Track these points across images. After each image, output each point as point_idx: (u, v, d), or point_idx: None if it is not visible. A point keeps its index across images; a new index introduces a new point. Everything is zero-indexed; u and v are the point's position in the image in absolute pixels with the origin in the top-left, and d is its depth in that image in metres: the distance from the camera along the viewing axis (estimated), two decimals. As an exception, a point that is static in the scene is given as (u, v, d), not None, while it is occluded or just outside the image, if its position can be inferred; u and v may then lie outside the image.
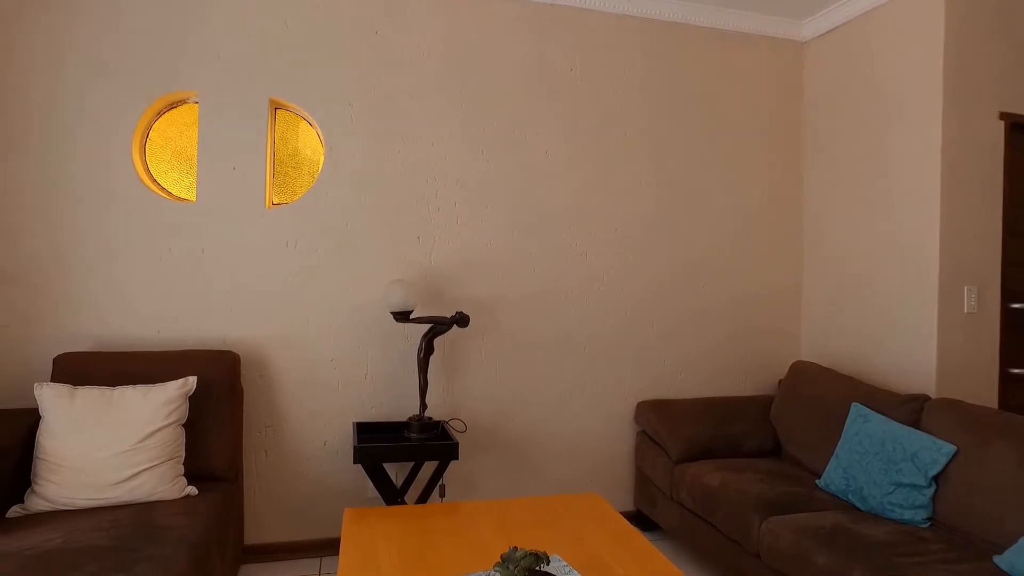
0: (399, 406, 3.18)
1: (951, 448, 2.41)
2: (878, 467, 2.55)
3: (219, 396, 2.69)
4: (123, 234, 2.86)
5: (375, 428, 3.05)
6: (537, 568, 1.53)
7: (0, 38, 2.73)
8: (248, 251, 2.99)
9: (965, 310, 2.95)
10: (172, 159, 3.03)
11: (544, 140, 3.36)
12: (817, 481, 2.83)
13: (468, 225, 3.27)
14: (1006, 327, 3.04)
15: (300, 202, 3.06)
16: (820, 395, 3.10)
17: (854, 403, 2.84)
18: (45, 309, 2.79)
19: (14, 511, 2.24)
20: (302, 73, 3.04)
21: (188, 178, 3.04)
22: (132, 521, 2.13)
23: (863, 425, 2.70)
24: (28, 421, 2.42)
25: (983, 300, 2.99)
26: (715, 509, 2.76)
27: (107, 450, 2.30)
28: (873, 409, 2.78)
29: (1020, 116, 3.02)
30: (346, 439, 3.12)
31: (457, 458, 2.81)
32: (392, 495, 2.82)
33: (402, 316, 2.90)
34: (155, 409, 2.41)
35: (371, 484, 3.00)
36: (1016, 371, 3.05)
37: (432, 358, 3.20)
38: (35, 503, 2.25)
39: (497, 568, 1.53)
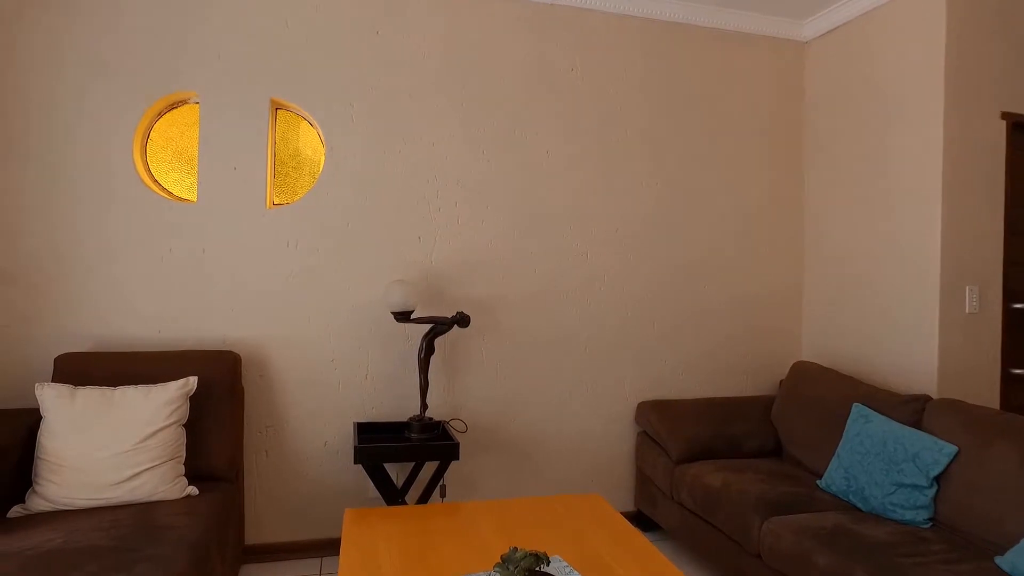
0: (400, 406, 3.18)
1: (952, 448, 2.41)
2: (879, 467, 2.54)
3: (220, 396, 2.69)
4: (123, 234, 2.86)
5: (376, 428, 3.05)
6: (537, 568, 1.53)
7: (0, 38, 2.73)
8: (249, 251, 2.99)
9: (966, 310, 2.95)
10: (173, 159, 3.04)
11: (544, 140, 3.36)
12: (818, 481, 2.83)
13: (468, 225, 3.27)
14: (1008, 327, 3.03)
15: (301, 202, 3.06)
16: (821, 395, 3.10)
17: (855, 403, 2.83)
18: (45, 309, 2.79)
19: (15, 511, 2.24)
20: (303, 73, 3.04)
21: (189, 178, 3.04)
22: (133, 521, 2.13)
23: (864, 425, 2.70)
24: (29, 421, 2.43)
25: (984, 300, 2.98)
26: (716, 509, 2.76)
27: (108, 450, 2.30)
28: (874, 409, 2.78)
29: (1021, 116, 3.02)
30: (347, 439, 3.12)
31: (458, 458, 2.81)
32: (393, 495, 2.82)
33: (403, 316, 2.90)
34: (156, 409, 2.41)
35: (372, 484, 3.00)
36: (1018, 371, 3.05)
37: (433, 358, 3.20)
38: (36, 503, 2.25)
39: (497, 568, 1.52)
